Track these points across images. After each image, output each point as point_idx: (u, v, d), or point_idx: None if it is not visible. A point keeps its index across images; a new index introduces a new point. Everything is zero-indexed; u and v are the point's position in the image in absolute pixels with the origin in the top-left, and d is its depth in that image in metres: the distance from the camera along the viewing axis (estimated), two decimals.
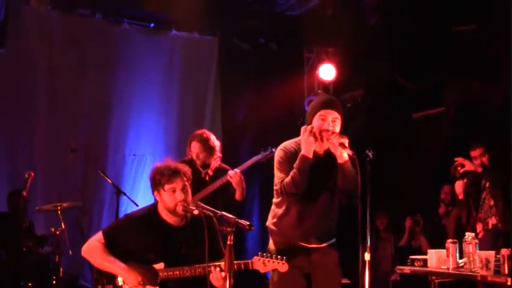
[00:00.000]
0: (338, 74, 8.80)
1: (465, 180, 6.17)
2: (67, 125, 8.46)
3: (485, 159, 6.07)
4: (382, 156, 7.08)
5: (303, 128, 4.33)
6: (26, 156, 8.28)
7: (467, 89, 8.07)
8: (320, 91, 8.88)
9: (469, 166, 6.02)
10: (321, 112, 4.34)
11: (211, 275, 4.10)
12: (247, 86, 9.34)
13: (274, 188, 4.53)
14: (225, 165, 6.23)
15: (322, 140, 4.29)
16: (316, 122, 4.35)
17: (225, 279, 3.74)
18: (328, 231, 4.53)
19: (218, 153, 6.21)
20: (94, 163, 7.76)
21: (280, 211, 4.49)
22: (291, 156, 4.41)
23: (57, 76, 8.53)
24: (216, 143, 6.22)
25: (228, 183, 5.99)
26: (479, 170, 5.99)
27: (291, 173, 4.30)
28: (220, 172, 6.13)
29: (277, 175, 4.46)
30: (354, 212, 4.88)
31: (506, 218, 5.89)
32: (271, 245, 4.55)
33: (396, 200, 8.38)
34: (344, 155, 4.25)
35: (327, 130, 4.28)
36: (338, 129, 4.34)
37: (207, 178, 6.11)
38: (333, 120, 4.33)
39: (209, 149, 6.13)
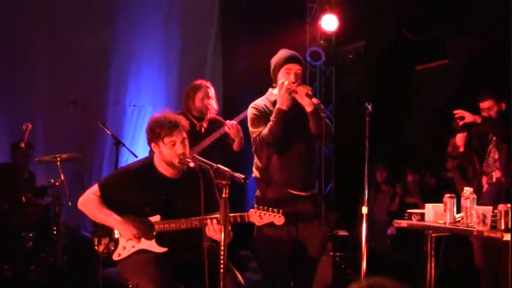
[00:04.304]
0: (340, 25, 8.68)
1: (465, 133, 6.07)
2: (67, 76, 8.39)
3: (493, 112, 5.96)
4: (384, 108, 7.09)
5: (279, 84, 4.59)
6: (27, 109, 8.22)
7: (472, 43, 7.96)
8: (317, 43, 8.80)
9: (468, 118, 5.89)
10: (287, 66, 4.65)
11: (207, 227, 4.10)
12: (249, 36, 9.22)
13: (252, 143, 4.77)
14: (219, 117, 6.21)
15: (295, 94, 4.57)
16: (282, 76, 4.64)
17: (220, 231, 3.74)
18: (310, 180, 4.79)
19: (214, 105, 6.17)
20: (94, 114, 7.70)
21: (262, 163, 4.73)
22: (262, 112, 4.71)
23: (58, 28, 8.42)
24: (213, 93, 6.19)
25: (225, 135, 5.98)
26: (479, 120, 5.89)
27: (268, 125, 4.57)
28: (215, 124, 6.09)
29: (253, 130, 4.72)
30: (353, 167, 4.91)
31: (509, 172, 5.85)
32: (258, 193, 4.76)
33: (397, 153, 8.36)
34: (311, 103, 4.54)
35: (294, 83, 4.56)
36: (300, 80, 4.66)
37: (202, 130, 6.08)
38: (296, 73, 4.63)
39: (207, 99, 6.11)
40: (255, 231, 4.63)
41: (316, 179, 4.88)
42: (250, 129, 4.73)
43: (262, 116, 4.67)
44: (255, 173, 4.76)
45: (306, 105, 4.54)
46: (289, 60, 4.65)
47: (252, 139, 4.74)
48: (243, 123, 5.99)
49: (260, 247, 4.74)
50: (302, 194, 4.66)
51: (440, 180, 7.54)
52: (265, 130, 4.56)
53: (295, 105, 4.59)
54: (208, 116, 6.12)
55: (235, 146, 5.97)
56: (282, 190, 4.63)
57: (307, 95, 4.48)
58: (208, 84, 6.23)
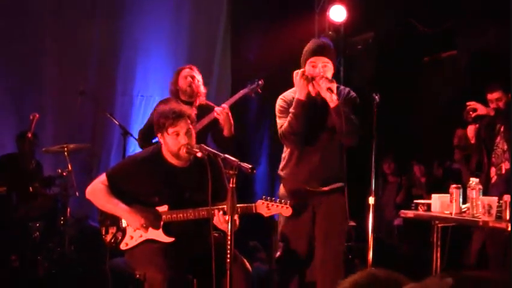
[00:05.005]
0: (349, 16, 8.65)
1: (477, 125, 6.06)
2: (76, 67, 8.42)
3: (501, 103, 5.94)
4: (392, 99, 7.08)
5: (295, 72, 4.44)
6: (35, 99, 8.26)
7: (482, 34, 7.91)
8: (326, 34, 8.76)
9: (481, 110, 5.88)
10: (311, 59, 4.47)
11: (214, 217, 4.11)
12: (258, 27, 9.22)
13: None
14: (210, 103, 6.04)
15: (313, 83, 4.36)
16: (308, 69, 4.46)
17: (227, 221, 3.73)
18: (331, 175, 4.59)
19: (202, 88, 6.00)
20: (102, 105, 7.71)
21: (285, 156, 4.64)
22: (290, 104, 4.52)
23: (66, 18, 8.45)
24: (199, 76, 6.00)
25: (216, 120, 5.77)
26: (492, 113, 5.88)
27: (288, 118, 4.42)
28: (205, 110, 5.85)
29: (278, 122, 4.58)
30: (361, 157, 4.86)
31: None
32: (280, 189, 4.69)
33: (405, 144, 8.34)
34: (333, 98, 4.30)
35: (317, 75, 4.36)
36: (329, 73, 4.45)
37: None
38: (323, 66, 4.46)
39: (191, 78, 5.95)
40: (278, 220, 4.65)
41: (342, 172, 4.66)
42: (277, 120, 4.62)
43: (289, 108, 4.50)
44: (280, 167, 4.70)
45: (328, 100, 4.32)
46: (313, 52, 4.47)
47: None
48: (233, 107, 5.90)
49: (281, 239, 4.69)
50: (319, 189, 4.55)
51: (446, 171, 7.54)
52: (285, 123, 4.45)
53: (318, 99, 4.44)
54: (198, 101, 5.90)
55: (225, 132, 5.75)
56: (301, 186, 4.56)
57: (329, 89, 4.26)
58: (194, 67, 6.05)
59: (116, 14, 8.74)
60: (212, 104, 6.01)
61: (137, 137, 6.19)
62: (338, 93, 4.48)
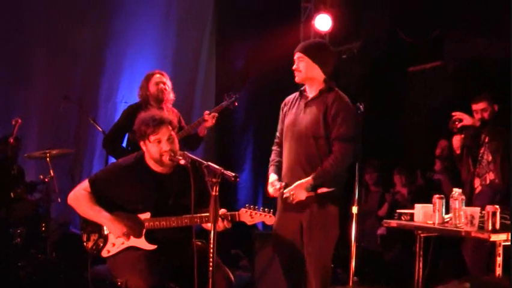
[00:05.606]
0: (334, 25, 8.66)
1: (462, 135, 6.08)
2: (62, 72, 8.39)
3: (486, 114, 5.97)
4: (376, 109, 7.09)
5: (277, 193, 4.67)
6: (20, 104, 8.21)
7: (468, 45, 7.94)
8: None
9: (467, 120, 5.91)
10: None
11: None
12: (243, 36, 9.23)
13: None
14: (174, 109, 6.07)
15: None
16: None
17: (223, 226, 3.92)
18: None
19: (172, 96, 6.02)
20: (85, 111, 7.68)
21: None
22: (282, 110, 4.89)
23: (53, 24, 8.42)
24: (169, 82, 6.02)
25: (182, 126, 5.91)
26: (478, 124, 5.90)
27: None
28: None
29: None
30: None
31: (504, 173, 5.85)
32: None
33: (388, 154, 8.35)
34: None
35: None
36: (302, 65, 4.68)
37: None
38: (298, 61, 4.69)
39: (162, 84, 5.96)
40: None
41: None
42: None
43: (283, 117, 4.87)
44: None
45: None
46: (295, 49, 4.75)
47: None
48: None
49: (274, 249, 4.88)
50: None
51: (427, 181, 7.55)
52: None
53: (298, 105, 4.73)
54: (166, 107, 5.90)
55: (202, 132, 5.96)
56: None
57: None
58: (164, 73, 6.08)
59: (104, 20, 8.73)
60: (176, 111, 6.04)
61: (103, 145, 6.21)
62: (323, 104, 4.64)
